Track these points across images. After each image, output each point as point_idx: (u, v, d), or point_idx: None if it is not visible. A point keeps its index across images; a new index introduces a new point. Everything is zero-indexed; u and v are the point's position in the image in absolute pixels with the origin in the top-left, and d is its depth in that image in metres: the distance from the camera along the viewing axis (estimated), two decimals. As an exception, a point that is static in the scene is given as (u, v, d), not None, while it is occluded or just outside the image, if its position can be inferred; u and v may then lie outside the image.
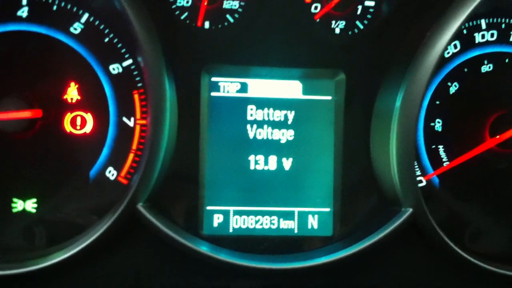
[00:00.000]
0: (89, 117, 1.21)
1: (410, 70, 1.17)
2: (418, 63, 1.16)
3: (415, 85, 1.15)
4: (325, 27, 1.24)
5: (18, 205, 1.20)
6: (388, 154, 1.18)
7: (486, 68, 1.27)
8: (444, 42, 1.15)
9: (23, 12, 1.19)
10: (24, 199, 1.20)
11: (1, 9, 1.18)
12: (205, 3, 1.20)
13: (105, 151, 1.21)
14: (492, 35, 1.27)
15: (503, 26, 1.27)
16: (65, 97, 1.21)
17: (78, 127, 1.21)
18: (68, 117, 1.21)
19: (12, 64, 1.20)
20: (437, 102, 1.26)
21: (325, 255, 1.17)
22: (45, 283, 1.17)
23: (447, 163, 1.26)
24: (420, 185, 1.24)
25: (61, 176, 1.21)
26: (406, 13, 1.24)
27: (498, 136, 1.24)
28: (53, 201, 1.21)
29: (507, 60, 1.28)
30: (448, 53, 1.26)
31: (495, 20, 1.27)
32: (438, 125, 1.26)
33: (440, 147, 1.27)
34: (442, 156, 1.27)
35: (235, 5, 1.22)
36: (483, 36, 1.27)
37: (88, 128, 1.21)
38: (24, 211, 1.20)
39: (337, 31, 1.25)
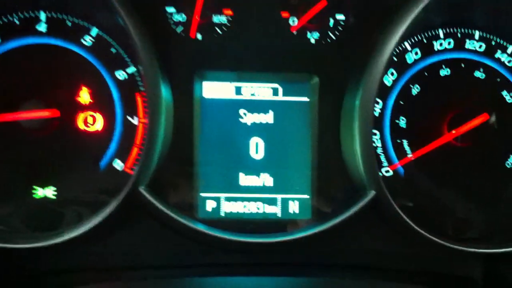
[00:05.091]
0: (99, 117, 1.29)
1: (366, 71, 1.23)
2: (371, 64, 1.23)
3: (369, 83, 1.22)
4: (301, 38, 1.32)
5: (39, 192, 1.28)
6: (354, 146, 1.24)
7: (444, 72, 1.34)
8: (391, 47, 1.21)
9: (42, 27, 1.28)
10: (43, 186, 1.28)
11: (24, 25, 1.28)
12: (197, 18, 1.29)
13: (112, 146, 1.29)
14: (449, 43, 1.34)
15: (459, 35, 1.34)
16: (78, 99, 1.29)
17: (89, 125, 1.29)
18: (81, 116, 1.29)
19: (33, 71, 1.29)
20: (401, 102, 1.33)
21: (300, 233, 1.24)
22: (60, 256, 1.27)
23: (410, 155, 1.33)
24: (387, 174, 1.34)
25: (75, 167, 1.29)
26: (369, 24, 1.31)
27: (454, 131, 1.32)
28: (69, 188, 1.29)
29: (463, 65, 1.35)
30: (411, 59, 1.33)
31: (451, 30, 1.34)
32: (402, 122, 1.33)
33: (404, 141, 1.34)
34: (406, 149, 1.34)
35: (224, 19, 1.30)
36: (441, 44, 1.34)
37: (98, 126, 1.29)
38: (44, 197, 1.28)
39: (312, 41, 1.32)
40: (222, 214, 1.34)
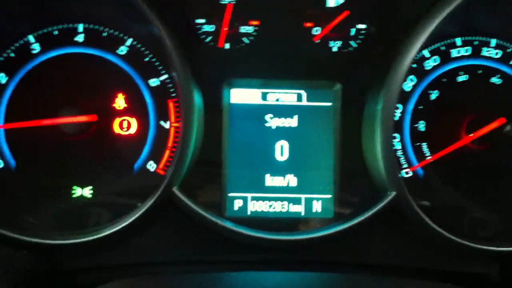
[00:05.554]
0: (133, 121, 1.34)
1: (387, 78, 1.26)
2: (392, 72, 1.25)
3: (390, 90, 1.24)
4: (324, 46, 1.35)
5: (77, 191, 1.33)
6: (375, 149, 1.27)
7: (462, 78, 1.37)
8: (411, 56, 1.24)
9: (80, 38, 1.33)
10: (82, 186, 1.33)
11: (62, 36, 1.33)
12: (225, 29, 1.32)
13: (146, 148, 1.33)
14: (466, 51, 1.37)
15: (475, 43, 1.37)
16: (114, 105, 1.34)
17: (124, 129, 1.34)
18: (116, 121, 1.34)
19: (71, 79, 1.33)
20: (420, 107, 1.36)
21: (323, 230, 1.27)
22: (95, 252, 1.30)
23: (430, 157, 1.36)
24: (406, 175, 1.36)
25: (111, 168, 1.34)
26: (389, 33, 1.34)
27: (471, 135, 1.34)
28: (105, 188, 1.34)
29: (479, 71, 1.37)
30: (429, 65, 1.36)
31: (468, 38, 1.37)
32: (421, 126, 1.36)
33: (424, 144, 1.37)
34: (425, 151, 1.36)
35: (250, 29, 1.34)
36: (458, 52, 1.37)
37: (132, 130, 1.34)
38: (82, 196, 1.33)
39: (335, 49, 1.35)
40: (249, 212, 1.37)
